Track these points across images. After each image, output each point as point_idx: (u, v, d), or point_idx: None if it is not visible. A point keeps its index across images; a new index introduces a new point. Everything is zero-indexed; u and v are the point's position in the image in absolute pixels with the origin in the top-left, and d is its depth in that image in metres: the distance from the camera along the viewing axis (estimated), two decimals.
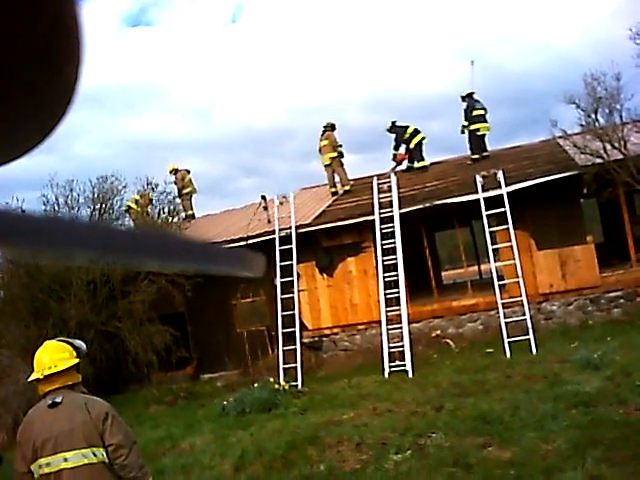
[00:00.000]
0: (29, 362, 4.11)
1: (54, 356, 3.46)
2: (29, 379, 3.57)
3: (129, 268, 13.14)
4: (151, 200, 16.16)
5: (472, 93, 15.00)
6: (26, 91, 0.33)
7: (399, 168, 15.98)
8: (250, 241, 13.74)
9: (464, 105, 15.00)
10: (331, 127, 15.55)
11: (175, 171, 17.78)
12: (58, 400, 3.41)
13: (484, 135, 15.03)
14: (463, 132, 15.10)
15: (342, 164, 15.70)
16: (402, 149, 16.03)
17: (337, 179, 15.78)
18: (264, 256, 0.49)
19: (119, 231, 0.38)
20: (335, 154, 15.35)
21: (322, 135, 15.45)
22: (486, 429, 6.95)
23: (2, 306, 14.18)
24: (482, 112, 14.84)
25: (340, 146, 15.64)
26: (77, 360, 3.54)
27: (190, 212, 17.83)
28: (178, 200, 17.29)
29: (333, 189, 15.72)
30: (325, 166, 15.57)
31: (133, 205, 15.91)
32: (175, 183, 17.52)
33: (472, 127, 14.77)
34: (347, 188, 15.62)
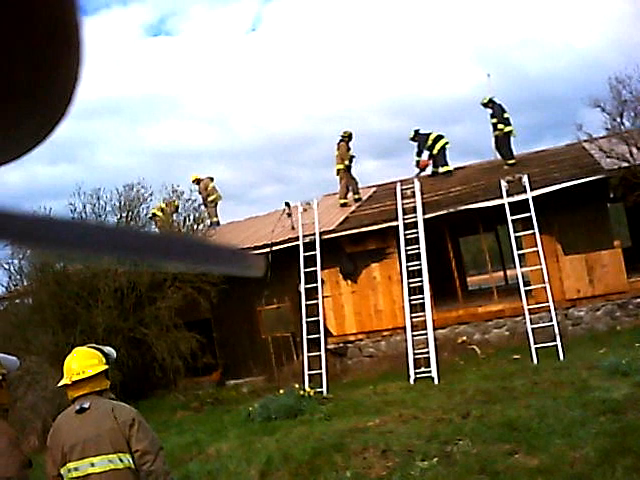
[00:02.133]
0: (57, 369, 4.16)
1: (83, 362, 3.51)
2: (58, 385, 3.63)
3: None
4: (177, 207, 16.30)
5: (493, 98, 14.91)
6: (26, 91, 0.33)
7: (423, 174, 15.98)
8: (274, 248, 13.78)
9: (489, 110, 14.89)
10: (348, 137, 15.66)
11: (197, 181, 17.94)
12: (86, 406, 3.45)
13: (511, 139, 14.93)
14: (506, 134, 14.86)
15: (350, 175, 15.84)
16: (425, 155, 16.03)
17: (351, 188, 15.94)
18: (265, 258, 0.49)
19: (123, 231, 0.38)
20: (342, 166, 15.50)
21: (337, 144, 15.62)
22: (513, 436, 6.89)
23: (31, 313, 14.37)
24: (508, 115, 14.77)
25: (352, 157, 15.73)
26: (106, 366, 3.58)
27: (215, 219, 17.96)
28: (203, 208, 17.44)
29: (342, 200, 15.77)
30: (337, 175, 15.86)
31: (159, 213, 16.05)
32: (199, 192, 17.67)
33: (507, 129, 14.63)
34: (344, 201, 15.74)
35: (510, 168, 14.33)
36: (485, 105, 14.94)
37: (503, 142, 14.86)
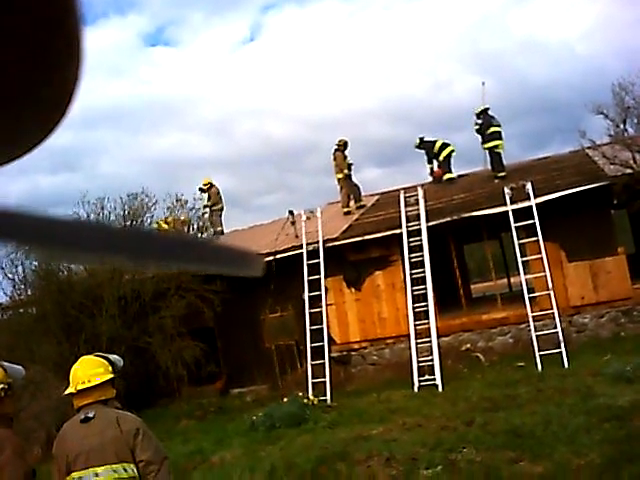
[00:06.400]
0: (61, 378, 4.17)
1: (88, 371, 3.51)
2: (64, 393, 3.63)
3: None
4: (184, 222, 16.29)
5: (487, 109, 14.82)
6: (26, 90, 0.33)
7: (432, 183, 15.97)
8: (278, 256, 13.78)
9: (479, 122, 14.79)
10: (343, 145, 15.74)
11: (210, 185, 17.82)
12: (90, 415, 3.44)
13: (500, 152, 14.83)
14: (491, 149, 14.85)
15: (351, 183, 15.94)
16: (436, 164, 16.00)
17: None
18: (268, 265, 0.49)
19: (119, 231, 0.38)
20: (341, 175, 15.57)
21: (333, 154, 15.67)
22: (518, 443, 6.87)
23: (35, 323, 14.39)
24: (498, 129, 14.62)
25: (350, 165, 15.85)
26: (111, 375, 3.57)
27: (219, 228, 17.93)
28: (206, 216, 17.44)
29: (346, 209, 15.81)
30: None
31: (163, 225, 15.99)
32: (209, 197, 17.61)
33: (489, 145, 14.58)
34: (347, 210, 15.80)
35: (501, 181, 14.17)
36: (478, 115, 14.85)
37: (491, 155, 14.80)
